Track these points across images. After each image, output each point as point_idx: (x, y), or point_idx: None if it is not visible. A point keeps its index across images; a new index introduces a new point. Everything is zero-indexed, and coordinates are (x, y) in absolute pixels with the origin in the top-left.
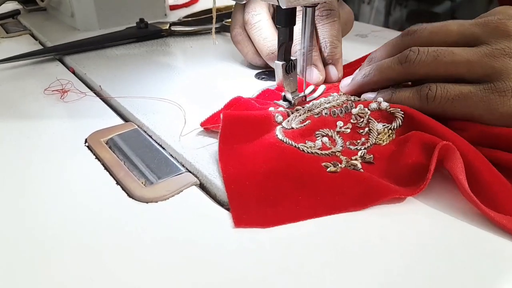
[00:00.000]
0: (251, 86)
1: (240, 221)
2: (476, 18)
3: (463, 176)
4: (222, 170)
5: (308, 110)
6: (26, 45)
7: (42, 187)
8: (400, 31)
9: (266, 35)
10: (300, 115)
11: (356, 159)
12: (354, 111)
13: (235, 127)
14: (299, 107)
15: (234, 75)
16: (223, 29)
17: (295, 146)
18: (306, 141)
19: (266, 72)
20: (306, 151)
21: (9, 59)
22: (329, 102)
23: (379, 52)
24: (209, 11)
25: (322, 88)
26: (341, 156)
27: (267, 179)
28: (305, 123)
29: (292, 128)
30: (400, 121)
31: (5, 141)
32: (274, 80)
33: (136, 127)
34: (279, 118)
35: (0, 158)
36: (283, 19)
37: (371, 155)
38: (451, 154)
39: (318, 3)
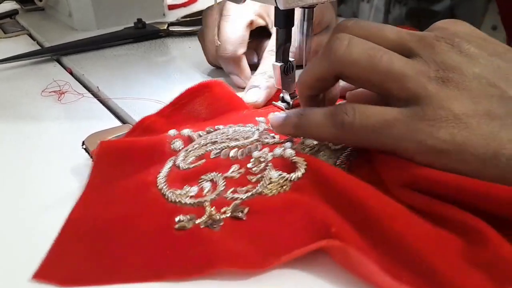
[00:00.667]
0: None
1: (43, 273)
2: (416, 31)
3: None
4: (74, 208)
5: (212, 143)
6: (24, 45)
7: (42, 188)
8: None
9: (235, 29)
10: (200, 147)
11: (224, 212)
12: (255, 154)
13: (113, 158)
14: (210, 129)
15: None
16: None
17: (162, 193)
18: (185, 186)
19: None
20: (169, 200)
21: (7, 59)
22: (237, 138)
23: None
24: None
25: None
26: (207, 208)
27: (109, 229)
28: (197, 163)
29: (179, 167)
30: (300, 173)
31: (2, 143)
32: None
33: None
34: (177, 144)
35: (7, 156)
36: (281, 21)
37: (247, 208)
38: (339, 249)
39: (317, 4)
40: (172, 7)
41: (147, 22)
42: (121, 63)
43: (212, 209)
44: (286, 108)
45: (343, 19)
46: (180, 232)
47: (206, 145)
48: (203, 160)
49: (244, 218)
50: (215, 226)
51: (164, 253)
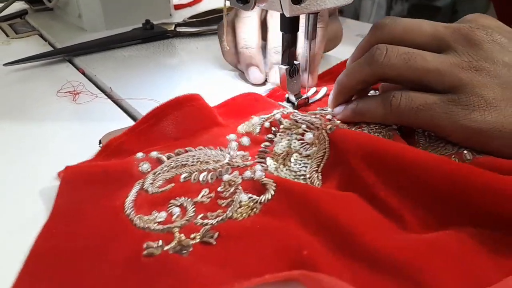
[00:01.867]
0: (258, 86)
1: None
2: (450, 23)
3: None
4: (37, 240)
5: (182, 165)
6: (35, 46)
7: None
8: None
9: (248, 36)
10: (169, 170)
11: (194, 238)
12: (225, 177)
13: (79, 184)
14: (180, 150)
15: (242, 76)
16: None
17: (130, 219)
18: (153, 212)
19: None
20: (137, 226)
21: (21, 60)
22: (207, 161)
23: (351, 56)
24: (213, 12)
25: (324, 90)
26: (176, 234)
27: (76, 261)
28: (166, 187)
29: (147, 191)
30: (270, 195)
31: (20, 143)
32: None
33: None
34: (145, 167)
35: (17, 159)
36: (287, 26)
37: (217, 233)
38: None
39: (320, 10)
40: (178, 7)
41: (154, 23)
42: (131, 64)
43: (181, 235)
44: (291, 108)
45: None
46: (149, 259)
47: (175, 167)
48: (172, 184)
49: (214, 243)
50: (184, 252)
51: (134, 282)
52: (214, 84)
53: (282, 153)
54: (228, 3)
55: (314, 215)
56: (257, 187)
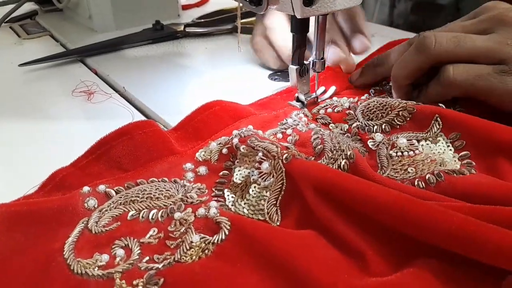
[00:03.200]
0: (266, 86)
1: None
2: (466, 17)
3: None
4: None
5: (131, 201)
6: (47, 46)
7: None
8: (405, 23)
9: (286, 37)
10: (116, 206)
11: (136, 285)
12: (176, 215)
13: (14, 225)
14: (129, 184)
15: (250, 76)
16: (236, 30)
17: (68, 263)
18: (95, 254)
19: (279, 73)
20: (75, 271)
21: (36, 61)
22: (158, 197)
23: (394, 53)
24: (221, 12)
25: (332, 89)
26: (117, 280)
27: None
28: (112, 226)
29: (91, 231)
30: (224, 234)
31: (37, 142)
32: (287, 81)
33: (163, 126)
34: (91, 203)
35: (35, 158)
36: (298, 27)
37: (162, 279)
38: None
39: (329, 13)
40: (186, 7)
41: (164, 23)
42: (143, 64)
43: (123, 282)
44: (301, 108)
45: None
46: None
47: (124, 204)
48: (118, 223)
49: None
50: None
51: None
52: (227, 83)
53: (240, 183)
54: (241, 5)
55: (269, 258)
56: (210, 226)
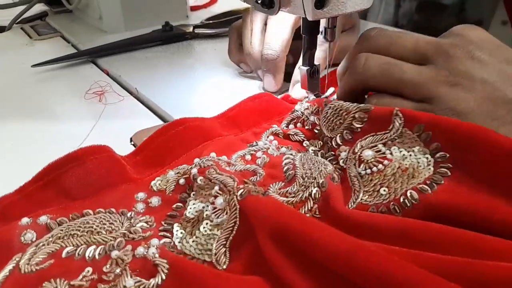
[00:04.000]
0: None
1: None
2: (441, 36)
3: None
4: None
5: (71, 235)
6: (59, 47)
7: None
8: (410, 23)
9: (281, 32)
10: (54, 241)
11: None
12: (114, 254)
13: None
14: (74, 215)
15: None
16: None
17: None
18: None
19: None
20: None
21: (49, 62)
22: (99, 231)
23: (342, 64)
24: (229, 13)
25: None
26: None
27: None
28: (44, 264)
29: (21, 270)
30: (161, 279)
31: (53, 143)
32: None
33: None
34: (28, 236)
35: (48, 159)
36: (308, 29)
37: None
38: None
39: (341, 15)
40: (194, 8)
41: (173, 25)
42: (153, 64)
43: None
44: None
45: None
46: None
47: (62, 238)
48: (52, 261)
49: None
50: None
51: None
52: (237, 85)
53: (193, 218)
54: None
55: None
56: (148, 268)
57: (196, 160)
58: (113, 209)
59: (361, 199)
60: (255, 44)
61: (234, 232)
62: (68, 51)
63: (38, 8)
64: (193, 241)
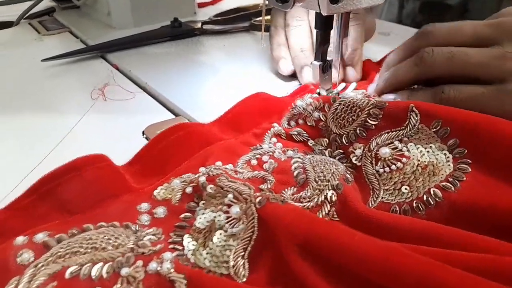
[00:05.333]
0: (284, 84)
1: None
2: (488, 18)
3: None
4: None
5: (73, 253)
6: (68, 42)
7: None
8: (413, 23)
9: (302, 41)
10: (55, 260)
11: None
12: (124, 271)
13: None
14: (74, 230)
15: (268, 74)
16: (252, 28)
17: None
18: None
19: None
20: None
21: (59, 56)
22: (105, 247)
23: (395, 56)
24: (237, 10)
25: (353, 85)
26: None
27: None
28: (47, 287)
29: None
30: None
31: (63, 138)
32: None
33: (187, 121)
34: (25, 257)
35: (63, 151)
36: (322, 24)
37: None
38: None
39: (355, 10)
40: (201, 5)
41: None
42: (163, 60)
43: None
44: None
45: None
46: None
47: (64, 257)
48: (55, 283)
49: None
50: None
51: None
52: (247, 80)
53: (204, 229)
54: (267, 2)
55: None
56: (164, 284)
57: (202, 169)
58: (116, 223)
59: (382, 198)
60: (306, 40)
61: (252, 242)
62: (77, 46)
63: (45, 3)
64: (207, 253)
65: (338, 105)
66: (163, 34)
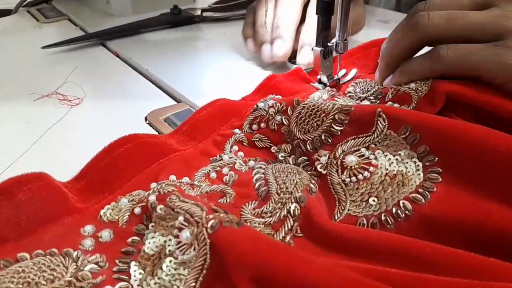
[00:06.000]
0: (284, 69)
1: None
2: None
3: None
4: None
5: None
6: (67, 30)
7: None
8: None
9: (279, 15)
10: None
11: None
12: None
13: None
14: (7, 260)
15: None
16: None
17: None
18: None
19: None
20: None
21: (59, 43)
22: (38, 282)
23: (392, 32)
24: None
25: (353, 71)
26: None
27: None
28: None
29: None
30: None
31: (67, 124)
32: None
33: (189, 107)
34: None
35: (66, 140)
36: (323, 10)
37: None
38: None
39: None
40: None
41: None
42: (162, 47)
43: None
44: (322, 89)
45: None
46: None
47: None
48: None
49: None
50: None
51: None
52: (246, 67)
53: (153, 255)
54: None
55: None
56: None
57: (153, 185)
58: (55, 250)
59: (349, 210)
60: (268, 16)
61: (204, 271)
62: (77, 33)
63: None
64: (155, 283)
65: (302, 109)
66: (163, 22)
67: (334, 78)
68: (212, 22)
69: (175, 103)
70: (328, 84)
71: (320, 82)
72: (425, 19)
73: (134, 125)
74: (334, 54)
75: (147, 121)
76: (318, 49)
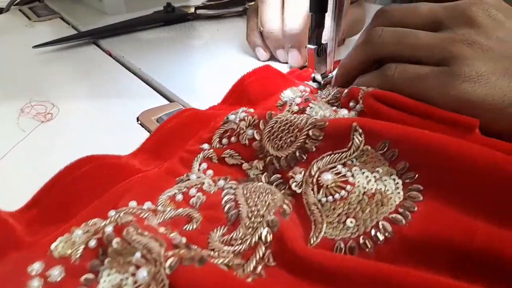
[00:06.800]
0: (278, 67)
1: None
2: (449, 3)
3: None
4: None
5: None
6: (59, 28)
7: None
8: None
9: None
10: None
11: None
12: None
13: None
14: None
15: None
16: (246, 13)
17: None
18: None
19: None
20: None
21: (51, 42)
22: None
23: (356, 42)
24: None
25: None
26: None
27: None
28: None
29: None
30: None
31: (58, 123)
32: None
33: (182, 107)
34: None
35: (60, 138)
36: (316, 7)
37: None
38: None
39: None
40: None
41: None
42: (156, 45)
43: None
44: (317, 88)
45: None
46: None
47: None
48: None
49: None
50: None
51: None
52: (240, 65)
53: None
54: None
55: None
56: None
57: (111, 213)
58: None
59: (325, 233)
60: (276, 21)
61: None
62: (69, 32)
63: None
64: None
65: (274, 123)
66: (156, 20)
67: (329, 77)
68: (206, 20)
69: (168, 102)
70: (322, 82)
71: (314, 80)
72: (377, 34)
73: (126, 125)
74: (328, 50)
75: (139, 122)
76: (312, 47)
